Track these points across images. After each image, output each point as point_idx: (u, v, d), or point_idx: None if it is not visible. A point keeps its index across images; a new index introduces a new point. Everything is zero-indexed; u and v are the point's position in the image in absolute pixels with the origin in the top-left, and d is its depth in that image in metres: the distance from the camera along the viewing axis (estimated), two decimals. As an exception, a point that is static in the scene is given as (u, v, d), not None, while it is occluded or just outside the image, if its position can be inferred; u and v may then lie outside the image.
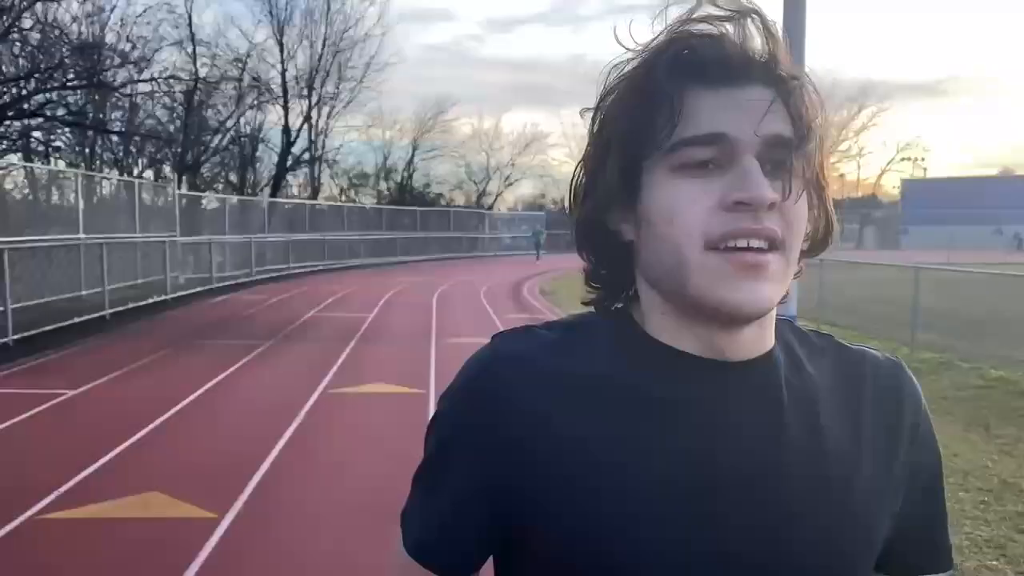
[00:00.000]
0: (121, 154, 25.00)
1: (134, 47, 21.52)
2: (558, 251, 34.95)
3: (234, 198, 23.94)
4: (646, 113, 0.67)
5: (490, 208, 48.28)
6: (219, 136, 29.10)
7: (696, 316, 0.68)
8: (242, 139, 31.77)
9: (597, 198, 0.71)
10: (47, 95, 18.65)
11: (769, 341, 0.72)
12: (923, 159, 63.75)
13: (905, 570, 0.78)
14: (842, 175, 64.00)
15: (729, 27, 0.67)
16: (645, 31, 0.69)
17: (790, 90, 0.66)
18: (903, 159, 62.79)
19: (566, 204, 0.76)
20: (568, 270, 21.32)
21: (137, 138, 23.96)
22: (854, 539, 0.70)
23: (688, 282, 0.66)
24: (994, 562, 3.77)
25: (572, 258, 0.92)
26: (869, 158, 77.17)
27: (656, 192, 0.67)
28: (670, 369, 0.69)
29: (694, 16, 0.68)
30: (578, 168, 0.74)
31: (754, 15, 0.67)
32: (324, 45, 35.26)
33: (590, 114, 0.72)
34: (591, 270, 0.77)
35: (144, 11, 22.71)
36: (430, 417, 0.74)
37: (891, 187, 67.34)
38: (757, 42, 0.67)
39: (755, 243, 0.64)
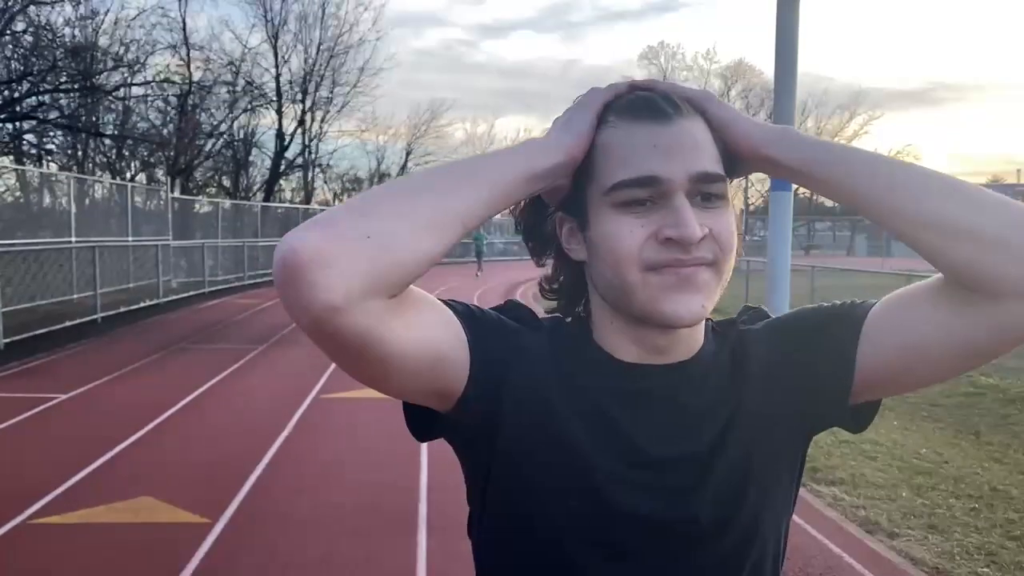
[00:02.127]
0: (114, 157, 24.90)
1: (127, 50, 21.50)
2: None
3: (227, 202, 23.90)
4: (587, 155, 0.79)
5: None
6: (212, 140, 29.02)
7: (641, 325, 0.80)
8: (235, 143, 31.69)
9: (549, 223, 0.86)
10: (39, 98, 18.58)
11: (698, 343, 0.84)
12: (914, 167, 63.92)
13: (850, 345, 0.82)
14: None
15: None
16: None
17: (717, 126, 0.78)
18: (894, 167, 63.03)
19: (516, 223, 0.90)
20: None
21: (130, 141, 23.84)
22: (754, 490, 0.82)
23: (631, 298, 0.77)
24: (985, 569, 3.79)
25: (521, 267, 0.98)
26: (861, 166, 77.18)
27: (600, 223, 0.78)
28: (613, 374, 0.82)
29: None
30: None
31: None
32: (318, 50, 35.24)
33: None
34: (548, 281, 0.90)
35: (137, 15, 22.71)
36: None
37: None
38: (686, 90, 0.80)
39: (688, 268, 0.75)
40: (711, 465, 0.81)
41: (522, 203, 0.87)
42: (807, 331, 0.86)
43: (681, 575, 0.81)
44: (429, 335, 0.76)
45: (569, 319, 0.90)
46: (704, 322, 0.84)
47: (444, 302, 0.82)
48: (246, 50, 31.82)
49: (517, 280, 24.08)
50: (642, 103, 0.77)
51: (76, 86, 18.50)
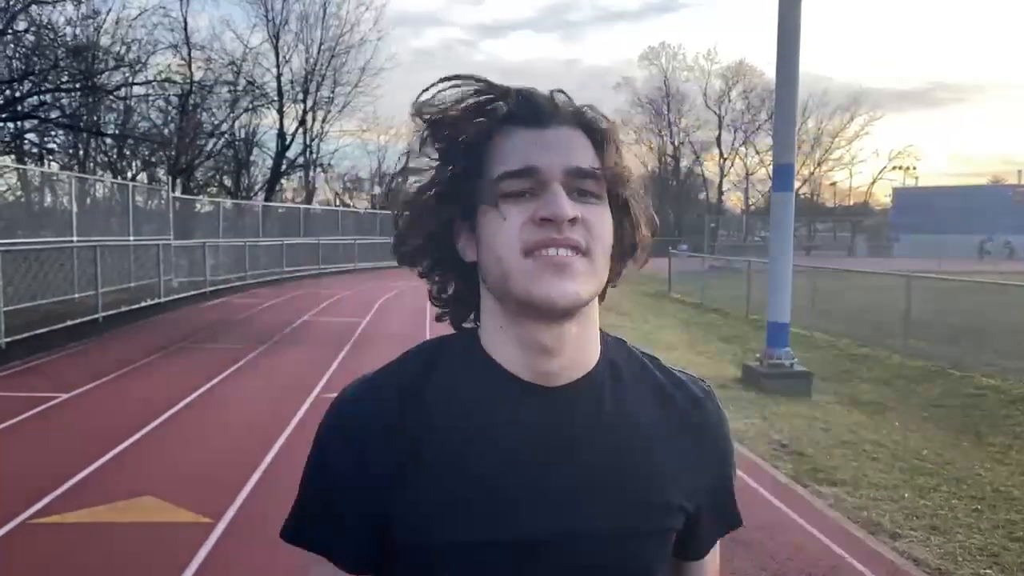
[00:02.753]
0: (115, 157, 24.91)
1: (128, 50, 21.51)
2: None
3: (228, 202, 23.89)
4: (472, 154, 0.84)
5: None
6: (214, 139, 29.03)
7: (523, 317, 0.82)
8: (237, 143, 31.71)
9: (439, 224, 0.87)
10: (41, 97, 18.58)
11: (589, 363, 0.87)
12: (914, 168, 63.81)
13: (705, 545, 0.96)
14: (834, 183, 64.43)
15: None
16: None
17: (597, 134, 0.84)
18: (895, 167, 63.03)
19: (396, 232, 0.90)
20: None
21: (131, 141, 23.85)
22: (640, 530, 0.85)
23: (511, 283, 0.80)
24: (987, 570, 3.79)
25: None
26: (861, 166, 77.39)
27: (486, 215, 0.83)
28: (500, 393, 0.84)
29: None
30: (414, 198, 0.87)
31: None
32: (319, 50, 35.29)
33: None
34: (437, 288, 0.92)
35: (139, 14, 22.73)
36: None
37: (883, 195, 67.53)
38: (565, 100, 0.85)
39: (562, 251, 0.79)
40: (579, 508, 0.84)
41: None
42: (714, 484, 0.92)
43: None
44: None
45: (455, 333, 0.92)
46: (599, 344, 0.88)
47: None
48: (247, 50, 31.84)
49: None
50: (527, 110, 0.84)
51: (78, 85, 18.50)
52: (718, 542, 0.97)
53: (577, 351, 0.85)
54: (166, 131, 25.27)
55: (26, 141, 20.93)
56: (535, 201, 0.80)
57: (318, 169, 38.96)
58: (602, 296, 0.88)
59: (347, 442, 0.85)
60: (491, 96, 0.85)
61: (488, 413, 0.83)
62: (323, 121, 37.03)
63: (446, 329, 0.94)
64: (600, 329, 0.89)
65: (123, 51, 21.38)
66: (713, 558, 0.98)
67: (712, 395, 0.94)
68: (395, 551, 0.84)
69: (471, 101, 0.85)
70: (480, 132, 0.84)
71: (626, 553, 0.84)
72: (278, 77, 34.03)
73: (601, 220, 0.82)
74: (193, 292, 16.97)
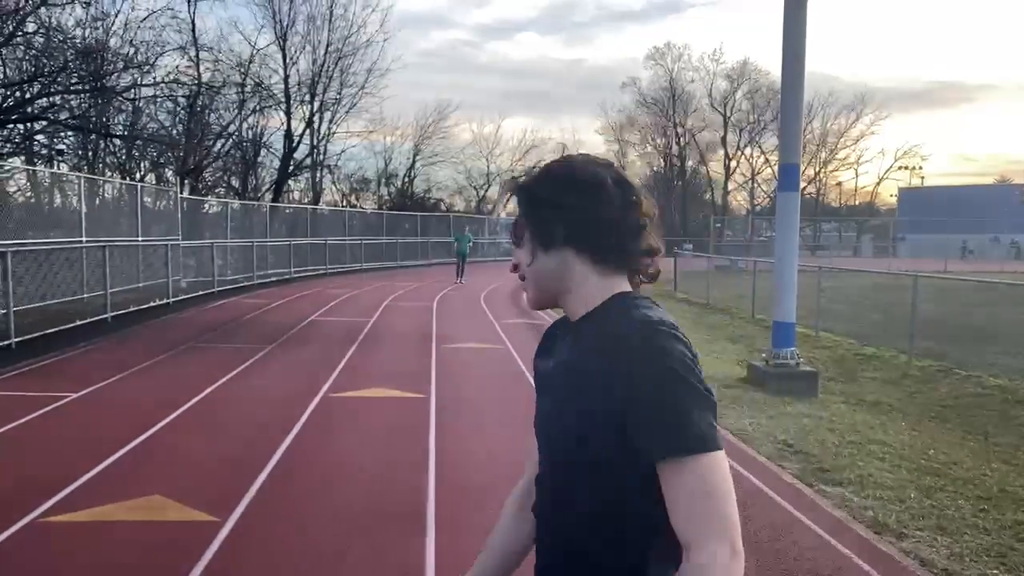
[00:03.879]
0: (124, 158, 25.02)
1: (137, 51, 21.61)
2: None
3: (236, 202, 23.97)
4: None
5: (490, 214, 48.32)
6: (222, 141, 29.14)
7: None
8: (244, 144, 31.82)
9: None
10: (50, 99, 18.68)
11: (578, 314, 1.25)
12: (920, 167, 63.61)
13: (646, 454, 1.12)
14: (840, 183, 64.24)
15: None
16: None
17: (518, 199, 1.28)
18: (900, 167, 62.81)
19: None
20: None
21: (140, 142, 23.97)
22: (569, 429, 1.18)
23: None
24: (994, 571, 3.78)
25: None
26: (866, 166, 76.96)
27: None
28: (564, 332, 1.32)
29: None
30: None
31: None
32: (326, 51, 35.40)
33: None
34: None
35: (147, 16, 22.82)
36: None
37: (888, 195, 67.21)
38: (515, 181, 1.30)
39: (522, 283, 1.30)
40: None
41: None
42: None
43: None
44: None
45: None
46: (590, 310, 1.23)
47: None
48: (255, 51, 32.00)
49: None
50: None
51: (87, 87, 18.60)
52: (684, 479, 1.08)
53: (571, 316, 1.27)
54: (174, 132, 25.38)
55: (36, 142, 21.04)
56: None
57: (325, 170, 39.10)
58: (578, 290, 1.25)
59: (537, 354, 1.38)
60: None
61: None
62: (330, 122, 37.18)
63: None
64: (626, 298, 1.21)
65: (132, 53, 21.47)
66: (678, 488, 1.09)
67: (635, 335, 1.12)
68: None
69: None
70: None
71: (567, 482, 1.19)
72: (285, 78, 34.17)
73: (524, 256, 1.27)
74: (201, 292, 17.04)
